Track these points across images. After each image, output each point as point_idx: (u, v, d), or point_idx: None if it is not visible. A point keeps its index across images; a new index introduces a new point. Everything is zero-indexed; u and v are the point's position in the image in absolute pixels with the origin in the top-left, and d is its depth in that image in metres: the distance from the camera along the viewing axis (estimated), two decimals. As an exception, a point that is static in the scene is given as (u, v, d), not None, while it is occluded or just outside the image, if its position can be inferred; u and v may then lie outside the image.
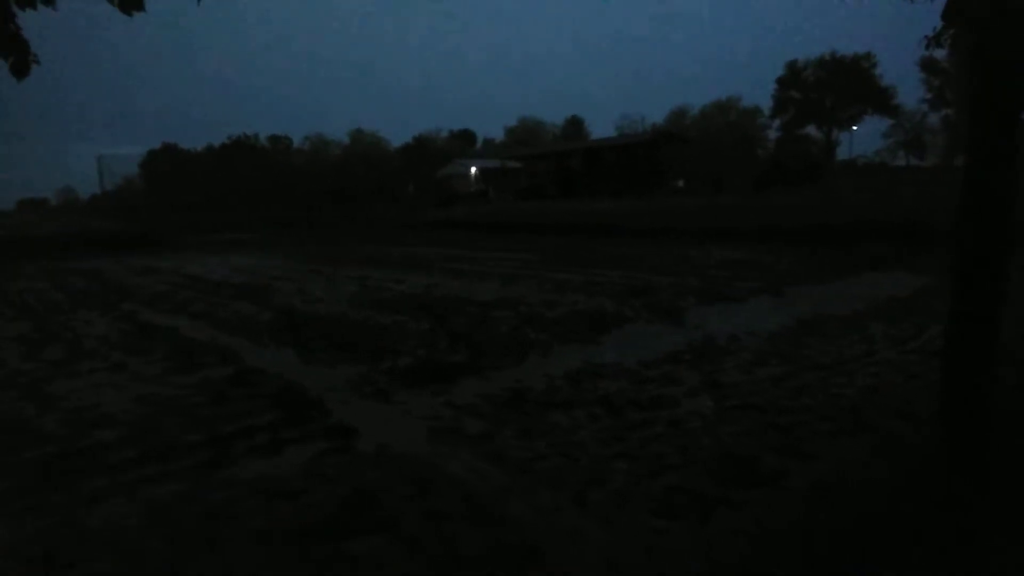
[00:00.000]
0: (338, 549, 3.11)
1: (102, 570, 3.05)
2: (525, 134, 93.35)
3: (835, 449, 3.96)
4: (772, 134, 73.69)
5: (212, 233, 35.68)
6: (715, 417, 4.61)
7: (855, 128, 71.27)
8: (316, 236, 29.71)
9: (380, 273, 14.09)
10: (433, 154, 71.14)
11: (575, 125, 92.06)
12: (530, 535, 3.17)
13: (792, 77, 70.61)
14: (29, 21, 2.47)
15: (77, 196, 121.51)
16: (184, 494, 3.79)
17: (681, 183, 46.49)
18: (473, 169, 59.04)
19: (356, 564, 2.99)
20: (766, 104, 73.81)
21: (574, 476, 3.79)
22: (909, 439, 4.03)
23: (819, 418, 4.46)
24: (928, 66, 62.18)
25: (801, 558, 2.89)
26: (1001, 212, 1.68)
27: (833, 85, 68.10)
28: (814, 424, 4.36)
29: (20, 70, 2.43)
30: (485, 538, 3.16)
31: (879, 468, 3.67)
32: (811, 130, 72.11)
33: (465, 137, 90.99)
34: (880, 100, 67.85)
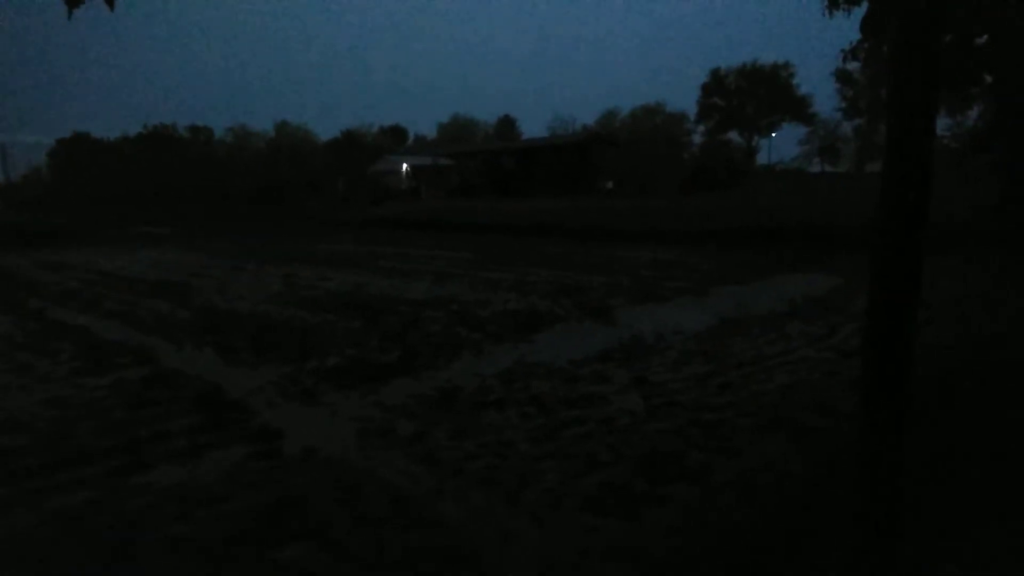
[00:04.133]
0: (262, 557, 3.00)
1: (1, 588, 2.84)
2: (457, 131, 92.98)
3: (757, 444, 4.11)
4: (697, 139, 76.14)
5: (127, 227, 33.88)
6: (644, 415, 4.70)
7: (774, 135, 74.58)
8: (240, 232, 28.67)
9: (307, 270, 13.72)
10: (363, 150, 69.91)
11: (508, 124, 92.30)
12: (463, 537, 3.14)
13: (715, 84, 73.22)
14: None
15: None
16: (97, 502, 3.58)
17: (611, 184, 47.32)
18: (405, 166, 58.34)
19: (282, 572, 2.89)
20: (691, 110, 76.25)
21: (506, 476, 3.79)
22: (826, 433, 4.22)
23: (742, 414, 4.61)
24: (842, 77, 65.64)
25: (727, 550, 2.97)
26: (916, 214, 1.78)
27: (754, 93, 71.07)
28: (737, 420, 4.50)
29: None
30: (417, 541, 3.11)
31: (799, 462, 3.82)
32: (733, 136, 74.97)
33: (396, 133, 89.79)
34: (797, 108, 71.29)
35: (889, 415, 1.89)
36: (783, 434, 4.25)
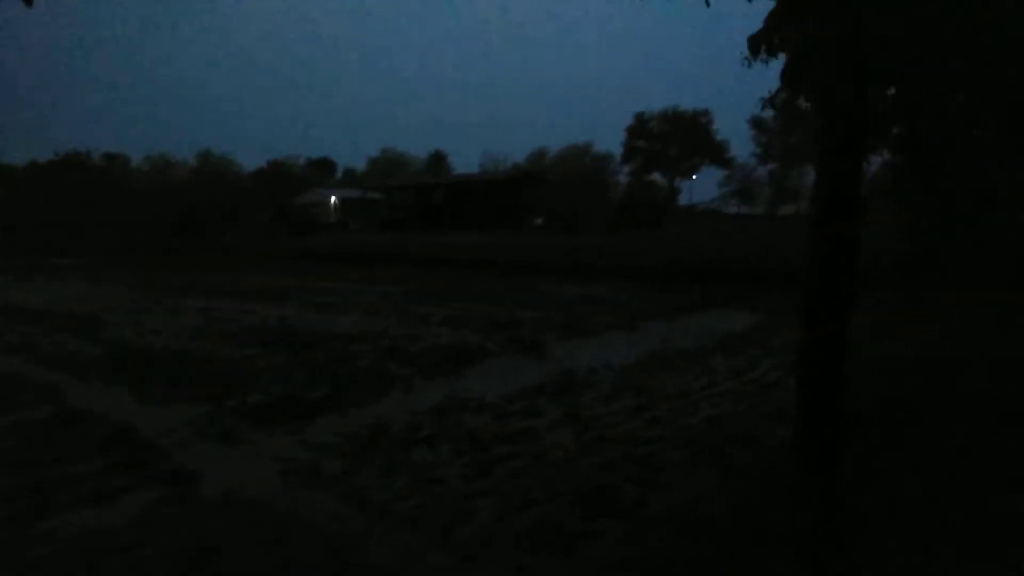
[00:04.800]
0: (177, 610, 2.81)
1: None
2: (388, 165, 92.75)
3: (687, 477, 4.18)
4: (623, 179, 78.65)
5: (36, 257, 31.87)
6: (577, 449, 4.71)
7: (695, 177, 77.86)
8: (157, 264, 27.42)
9: (229, 304, 13.22)
10: (290, 181, 68.60)
11: (438, 159, 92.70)
12: (393, 580, 3.04)
13: (639, 127, 76.09)
14: None
15: None
16: (-11, 555, 3.27)
17: (540, 221, 48.06)
18: (333, 198, 57.59)
19: (198, 625, 2.71)
20: (617, 151, 78.78)
21: (438, 515, 3.70)
22: (751, 465, 4.33)
23: (671, 447, 4.69)
24: (757, 124, 69.39)
25: (659, 585, 2.98)
26: (844, 253, 1.87)
27: (675, 137, 74.22)
28: (667, 454, 4.57)
29: None
30: (344, 586, 2.98)
31: (727, 494, 3.90)
32: (657, 177, 77.88)
33: (325, 165, 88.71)
34: (716, 153, 74.83)
35: (822, 449, 1.96)
36: (711, 467, 4.34)
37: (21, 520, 3.64)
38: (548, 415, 5.52)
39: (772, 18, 3.49)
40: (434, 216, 50.33)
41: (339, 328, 9.95)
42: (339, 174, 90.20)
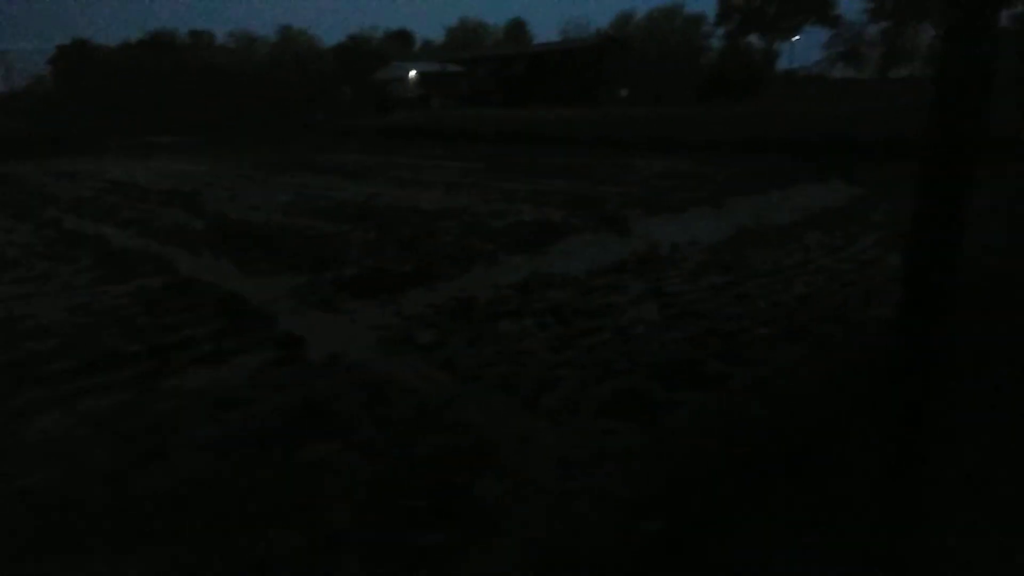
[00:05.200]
0: (292, 456, 3.12)
1: (44, 482, 2.97)
2: (466, 36, 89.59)
3: (775, 352, 4.15)
4: (715, 43, 73.06)
5: (132, 136, 33.46)
6: (660, 324, 4.74)
7: (796, 38, 71.39)
8: (246, 141, 28.27)
9: (318, 180, 13.60)
10: (369, 56, 67.68)
11: (518, 28, 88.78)
12: (483, 438, 3.24)
13: (737, -17, 69.52)
14: None
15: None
16: (126, 405, 3.69)
17: (625, 92, 45.91)
18: (412, 73, 56.62)
19: (311, 469, 3.01)
20: (711, 11, 72.78)
21: (524, 382, 3.86)
22: (844, 343, 4.25)
23: (759, 324, 4.64)
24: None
25: (747, 450, 3.06)
26: (971, 115, 1.70)
27: (776, -8, 67.54)
28: (754, 330, 4.53)
29: None
30: (440, 442, 3.21)
31: (817, 369, 3.87)
32: (754, 40, 71.84)
33: (403, 38, 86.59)
34: (821, 10, 67.83)
35: (925, 327, 1.87)
36: (801, 343, 4.28)
37: (149, 377, 4.05)
38: (631, 291, 5.53)
39: None
40: (514, 89, 48.89)
41: (423, 204, 10.11)
42: (417, 46, 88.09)
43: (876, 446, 2.47)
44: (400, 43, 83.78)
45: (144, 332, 4.78)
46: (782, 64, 72.12)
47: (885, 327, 4.31)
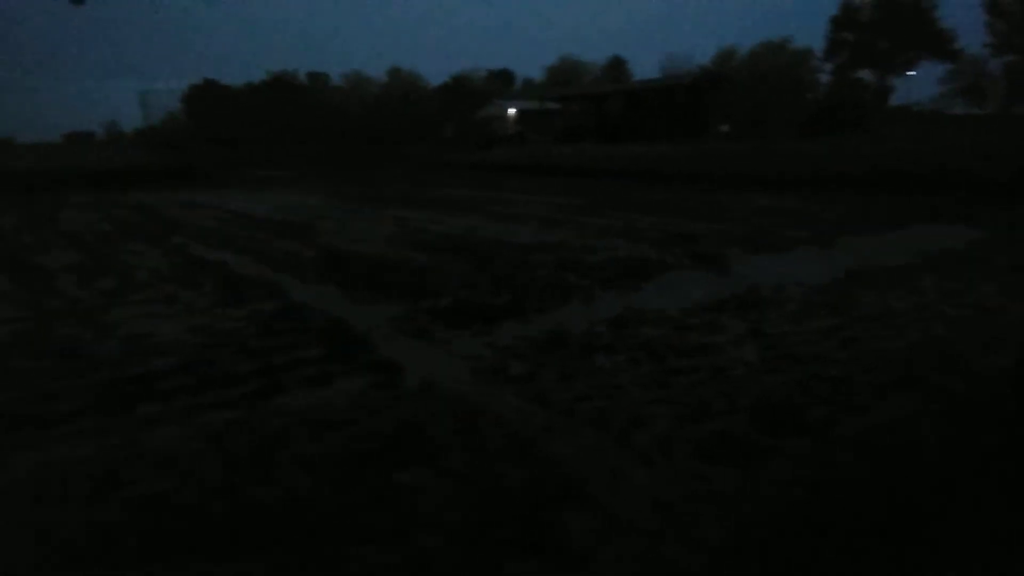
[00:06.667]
0: (387, 479, 3.22)
1: (162, 489, 3.20)
2: (565, 74, 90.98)
3: (884, 403, 3.91)
4: (824, 78, 70.63)
5: (252, 169, 36.01)
6: (760, 366, 4.57)
7: (910, 73, 67.90)
8: (354, 175, 29.77)
9: (419, 214, 14.11)
10: (471, 94, 70.00)
11: (617, 66, 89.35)
12: (573, 472, 3.23)
13: (847, 18, 67.15)
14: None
15: (122, 130, 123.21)
16: (237, 421, 3.93)
17: (726, 128, 45.09)
18: (511, 110, 58.06)
19: (404, 494, 3.09)
20: (819, 46, 70.51)
21: (616, 418, 3.82)
22: (964, 396, 3.95)
23: (868, 370, 4.39)
24: (993, 8, 58.43)
25: (851, 509, 2.89)
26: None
27: (889, 27, 64.61)
28: (862, 376, 4.29)
29: None
30: (529, 473, 3.22)
31: (929, 423, 3.62)
32: (865, 75, 68.94)
33: (504, 77, 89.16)
34: (938, 44, 64.30)
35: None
36: (914, 394, 4.01)
37: (259, 396, 4.30)
38: (730, 330, 5.37)
39: None
40: (611, 125, 49.04)
41: (519, 238, 10.27)
42: (518, 84, 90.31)
43: (994, 516, 2.28)
44: (501, 82, 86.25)
45: (256, 353, 5.09)
46: (897, 99, 68.72)
47: (1007, 379, 3.98)
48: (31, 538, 2.86)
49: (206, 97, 69.61)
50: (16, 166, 33.60)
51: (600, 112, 53.06)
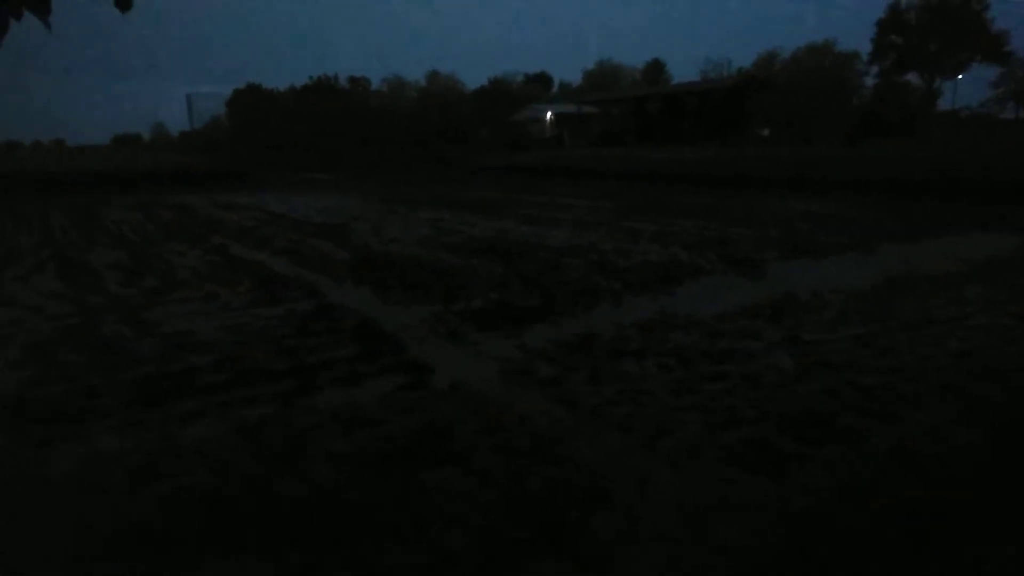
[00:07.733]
0: (413, 477, 3.25)
1: (198, 481, 3.29)
2: (603, 78, 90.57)
3: (921, 412, 3.81)
4: (869, 81, 68.89)
5: (292, 172, 36.73)
6: (792, 373, 4.50)
7: (960, 76, 65.78)
8: (391, 178, 30.12)
9: (453, 216, 14.21)
10: (508, 98, 70.19)
11: (656, 69, 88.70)
12: (599, 476, 3.22)
13: (894, 20, 65.33)
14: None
15: (168, 133, 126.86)
16: (270, 417, 4.02)
17: (766, 131, 44.37)
18: (549, 114, 58.08)
19: (430, 492, 3.12)
20: (865, 49, 68.78)
21: (643, 423, 3.80)
22: (1004, 406, 3.83)
23: (904, 380, 4.28)
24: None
25: (880, 520, 2.82)
26: None
27: (938, 29, 62.68)
28: (898, 386, 4.19)
29: (124, 4, 2.49)
30: (554, 475, 3.22)
31: (968, 434, 3.51)
32: (912, 78, 67.00)
33: (542, 81, 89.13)
34: (990, 47, 62.12)
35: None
36: (952, 403, 3.90)
37: (292, 393, 4.38)
38: (763, 337, 5.29)
39: None
40: (649, 129, 48.70)
41: (551, 241, 10.27)
42: (555, 88, 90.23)
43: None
44: (539, 86, 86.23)
45: (289, 352, 5.19)
46: (945, 103, 66.66)
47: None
48: (72, 527, 2.97)
49: (249, 101, 71.15)
50: (66, 168, 34.84)
51: (639, 116, 52.74)
